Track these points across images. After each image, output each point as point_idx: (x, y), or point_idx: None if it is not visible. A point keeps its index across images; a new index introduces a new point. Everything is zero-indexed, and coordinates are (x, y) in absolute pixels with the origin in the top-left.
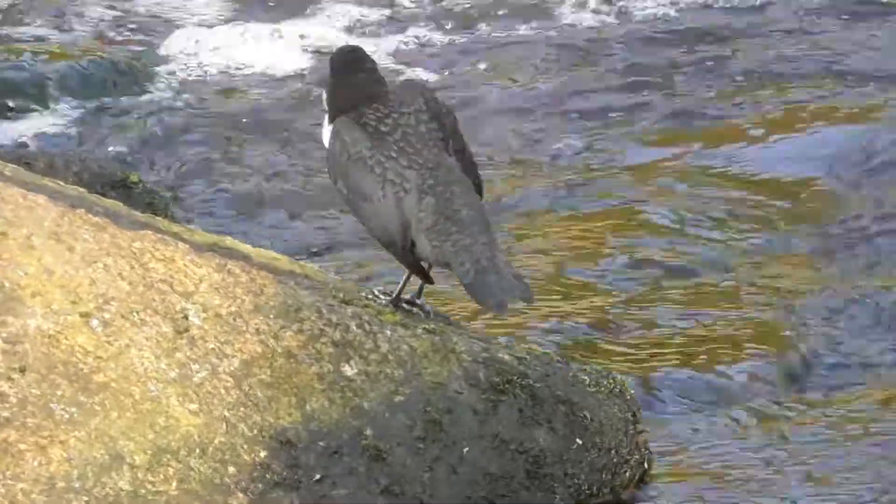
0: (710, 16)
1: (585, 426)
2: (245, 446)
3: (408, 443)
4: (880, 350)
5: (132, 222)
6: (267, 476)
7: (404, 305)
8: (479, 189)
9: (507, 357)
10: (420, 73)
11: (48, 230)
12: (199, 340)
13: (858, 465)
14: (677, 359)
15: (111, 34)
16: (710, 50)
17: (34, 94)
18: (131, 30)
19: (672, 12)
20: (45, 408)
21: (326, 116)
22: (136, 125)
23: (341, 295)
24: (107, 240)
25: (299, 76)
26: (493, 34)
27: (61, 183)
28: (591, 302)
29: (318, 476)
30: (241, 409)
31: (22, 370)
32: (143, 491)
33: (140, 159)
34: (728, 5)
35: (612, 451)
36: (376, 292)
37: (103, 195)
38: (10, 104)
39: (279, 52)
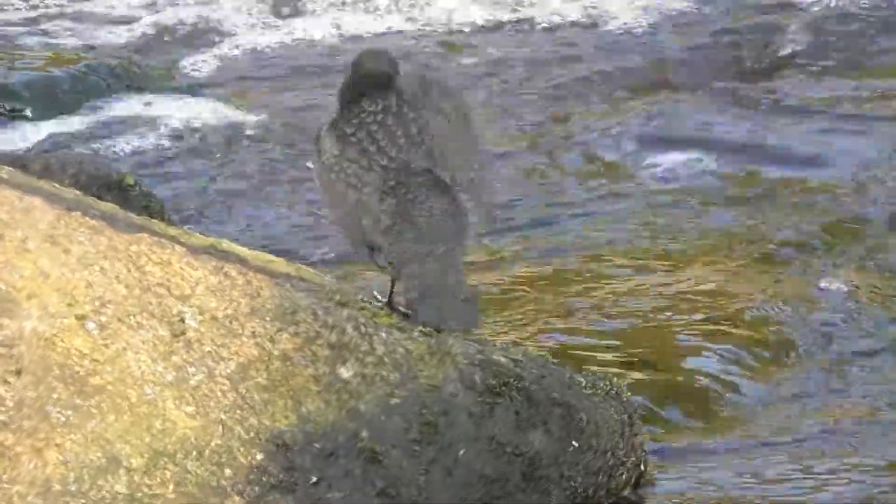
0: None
1: (581, 428)
2: (241, 449)
3: (404, 445)
4: (882, 357)
5: (128, 225)
6: (263, 479)
7: (400, 308)
8: (474, 190)
9: (502, 359)
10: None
11: (44, 233)
12: (195, 343)
13: (857, 468)
14: (674, 361)
15: (107, 38)
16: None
17: (30, 98)
18: (127, 33)
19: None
20: (42, 410)
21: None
22: (132, 128)
23: (337, 297)
24: (103, 242)
25: (298, 78)
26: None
27: (57, 185)
28: (587, 305)
29: (314, 479)
30: (238, 411)
31: (18, 373)
32: (139, 494)
33: (136, 162)
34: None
35: (609, 454)
36: (373, 294)
37: (100, 198)
38: (6, 107)
39: (277, 54)
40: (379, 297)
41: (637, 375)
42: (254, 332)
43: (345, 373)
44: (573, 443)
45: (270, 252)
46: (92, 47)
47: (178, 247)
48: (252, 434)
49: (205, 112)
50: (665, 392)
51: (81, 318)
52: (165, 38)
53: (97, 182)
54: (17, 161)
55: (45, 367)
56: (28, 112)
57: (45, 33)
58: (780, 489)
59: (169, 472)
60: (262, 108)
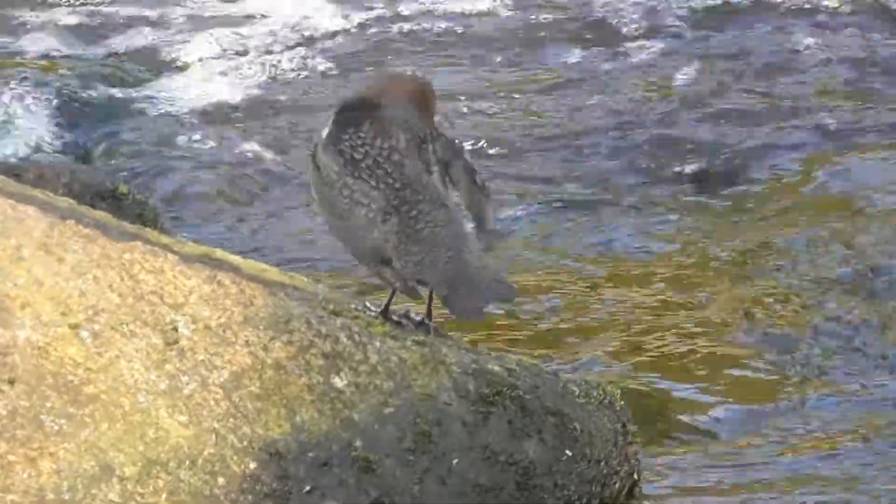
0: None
1: (575, 437)
2: (235, 458)
3: (397, 454)
4: (877, 365)
5: (122, 233)
6: (256, 487)
7: (394, 317)
8: (478, 206)
9: (496, 368)
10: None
11: (38, 241)
12: (188, 352)
13: (851, 475)
14: (668, 370)
15: (101, 46)
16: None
17: (23, 106)
18: (122, 41)
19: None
20: (35, 419)
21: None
22: (126, 137)
23: (331, 306)
24: (96, 251)
25: (295, 88)
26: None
27: (50, 194)
28: (584, 312)
29: (307, 488)
30: (231, 420)
31: (11, 382)
32: (132, 503)
33: (129, 170)
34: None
35: (602, 463)
36: (366, 304)
37: (93, 206)
38: None
39: (272, 61)
40: (372, 306)
41: (630, 385)
42: (247, 341)
43: (338, 382)
44: (567, 452)
45: (264, 261)
46: (84, 54)
47: (171, 255)
48: (245, 443)
49: (199, 120)
50: (659, 400)
51: (75, 326)
52: (160, 46)
53: (90, 191)
54: (11, 170)
55: (39, 376)
56: (20, 119)
57: (36, 40)
58: (775, 501)
59: (162, 480)
60: (257, 114)
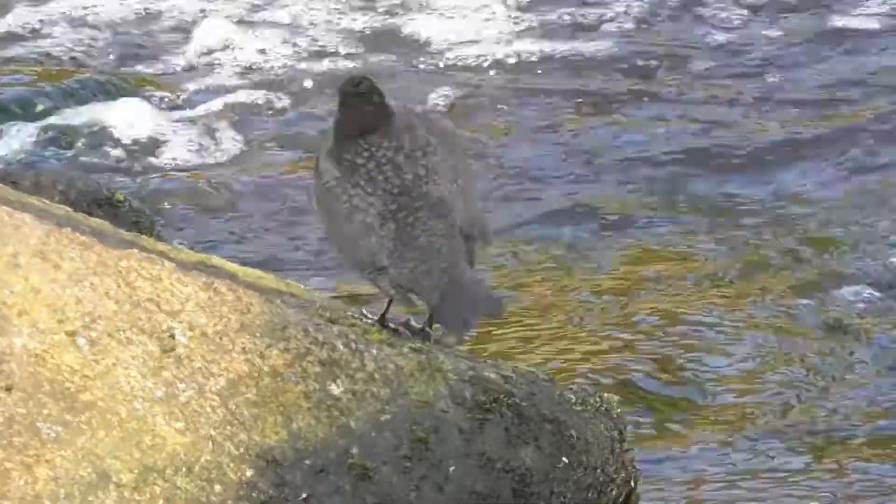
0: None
1: (572, 445)
2: (231, 465)
3: (394, 461)
4: (874, 368)
5: (118, 241)
6: (253, 494)
7: (391, 325)
8: (476, 218)
9: (493, 375)
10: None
11: (34, 249)
12: (185, 359)
13: (849, 482)
14: (666, 377)
15: (97, 52)
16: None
17: (19, 113)
18: (118, 48)
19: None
20: (32, 426)
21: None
22: (122, 144)
23: (327, 314)
24: (93, 258)
25: (287, 95)
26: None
27: (47, 201)
28: (581, 319)
29: (304, 495)
30: (228, 427)
31: (8, 389)
32: None
33: (126, 178)
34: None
35: (599, 470)
36: (363, 311)
37: (89, 214)
38: None
39: (267, 69)
40: (368, 314)
41: (627, 392)
42: (244, 348)
43: (335, 389)
44: (563, 459)
45: (260, 268)
46: (80, 60)
47: (167, 263)
48: (242, 450)
49: (196, 127)
50: (656, 407)
51: (72, 333)
52: (157, 53)
53: (87, 198)
54: (8, 177)
55: (36, 383)
56: (17, 126)
57: (32, 47)
58: None
59: (159, 487)
60: (253, 120)
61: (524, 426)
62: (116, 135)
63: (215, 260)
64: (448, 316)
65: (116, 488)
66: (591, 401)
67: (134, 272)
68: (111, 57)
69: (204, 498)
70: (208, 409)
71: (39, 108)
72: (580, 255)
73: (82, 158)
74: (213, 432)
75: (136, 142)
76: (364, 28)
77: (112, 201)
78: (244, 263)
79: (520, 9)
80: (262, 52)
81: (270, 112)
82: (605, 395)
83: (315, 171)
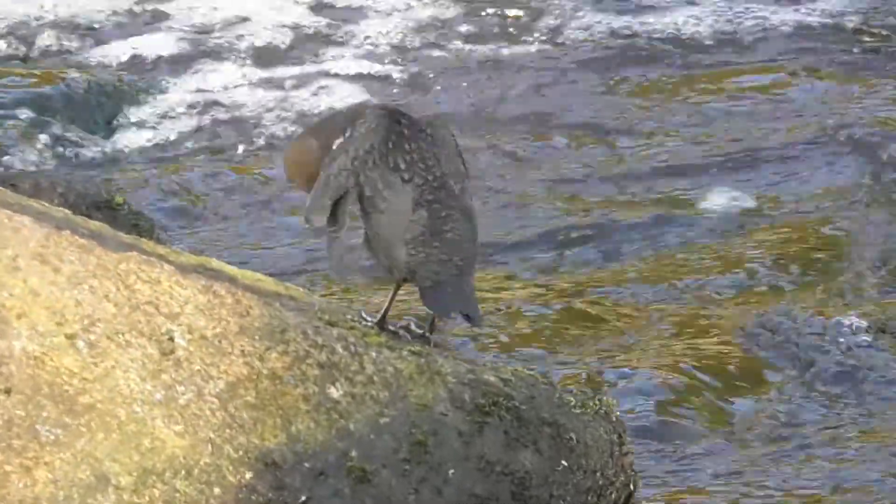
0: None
1: (571, 448)
2: (230, 468)
3: (393, 464)
4: (874, 373)
5: (118, 244)
6: (252, 497)
7: (390, 328)
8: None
9: (492, 378)
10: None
11: (33, 251)
12: (184, 362)
13: (849, 487)
14: (664, 380)
15: (96, 57)
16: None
17: (19, 116)
18: (117, 52)
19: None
20: (31, 429)
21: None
22: (122, 147)
23: (327, 317)
24: (92, 261)
25: (293, 98)
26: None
27: (47, 204)
28: (579, 321)
29: (303, 498)
30: (227, 430)
31: (7, 391)
32: None
33: (125, 181)
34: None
35: (598, 473)
36: (362, 314)
37: (89, 216)
38: None
39: (271, 73)
40: (368, 317)
41: (627, 395)
42: (243, 351)
43: (334, 392)
44: (563, 462)
45: (260, 271)
46: (81, 63)
47: (167, 265)
48: (241, 453)
49: (195, 130)
50: (655, 411)
51: (71, 336)
52: (156, 57)
53: (86, 201)
54: (7, 180)
55: (35, 386)
56: (17, 130)
57: (32, 51)
58: None
59: (158, 490)
60: (256, 123)
61: (523, 429)
62: (116, 137)
63: (214, 263)
64: (434, 296)
65: (115, 491)
66: (591, 404)
67: (133, 275)
68: (112, 59)
69: (203, 501)
70: (207, 412)
71: (39, 110)
72: (578, 258)
73: (82, 161)
74: (212, 435)
75: (136, 144)
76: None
77: (111, 204)
78: (243, 266)
79: (508, 12)
80: (264, 52)
81: (274, 115)
82: (605, 398)
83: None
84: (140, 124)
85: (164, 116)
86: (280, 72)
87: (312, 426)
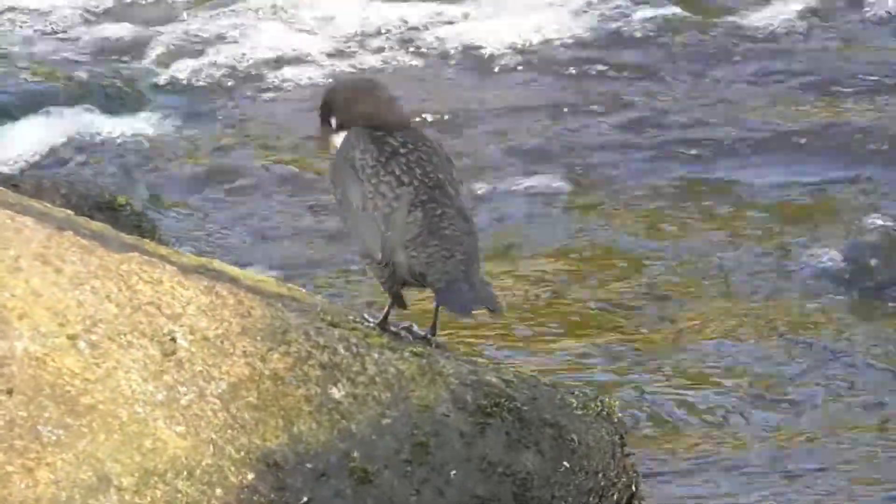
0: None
1: (573, 449)
2: (232, 468)
3: (395, 465)
4: (875, 375)
5: (120, 244)
6: (254, 498)
7: (392, 329)
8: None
9: (494, 379)
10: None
11: (35, 252)
12: (186, 363)
13: (851, 486)
14: (667, 381)
15: (99, 55)
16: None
17: (21, 116)
18: (119, 51)
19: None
20: (33, 430)
21: (334, 128)
22: (124, 147)
23: (329, 317)
24: (94, 262)
25: (288, 97)
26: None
27: (49, 205)
28: (579, 324)
29: (305, 498)
30: (229, 431)
31: (9, 392)
32: None
33: (128, 182)
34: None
35: (600, 475)
36: (364, 315)
37: (91, 217)
38: None
39: (271, 72)
40: (370, 318)
41: (628, 397)
42: (245, 352)
43: (336, 393)
44: (564, 463)
45: (262, 272)
46: (82, 63)
47: (169, 266)
48: (243, 453)
49: (198, 132)
50: (657, 413)
51: (73, 337)
52: (158, 57)
53: (88, 202)
54: (9, 181)
55: (37, 387)
56: (19, 130)
57: (34, 49)
58: None
59: (159, 491)
60: (256, 123)
61: (525, 430)
62: (118, 138)
63: (216, 264)
64: (451, 297)
65: (117, 492)
66: (593, 405)
67: (135, 276)
68: (113, 60)
69: (205, 501)
70: (209, 413)
71: (41, 111)
72: (579, 259)
73: (84, 162)
74: (214, 436)
75: (137, 145)
76: (356, 28)
77: (113, 205)
78: (245, 267)
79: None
80: (266, 54)
81: (275, 115)
82: (606, 399)
83: (343, 145)
84: (144, 125)
85: (166, 117)
86: (283, 73)
87: (314, 427)
